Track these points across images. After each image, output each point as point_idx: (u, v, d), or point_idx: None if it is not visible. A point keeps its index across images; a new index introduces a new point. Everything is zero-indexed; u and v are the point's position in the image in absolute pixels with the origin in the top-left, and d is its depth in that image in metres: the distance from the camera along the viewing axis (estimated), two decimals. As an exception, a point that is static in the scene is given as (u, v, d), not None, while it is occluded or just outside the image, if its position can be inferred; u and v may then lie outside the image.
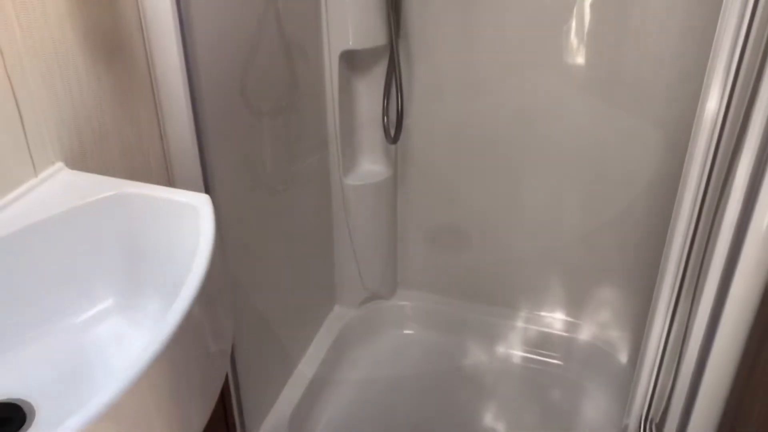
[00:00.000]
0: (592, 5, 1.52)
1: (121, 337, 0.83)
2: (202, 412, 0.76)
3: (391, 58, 1.62)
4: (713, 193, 1.01)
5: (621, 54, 1.55)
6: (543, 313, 1.95)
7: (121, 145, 1.02)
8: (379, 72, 1.71)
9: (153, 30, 1.00)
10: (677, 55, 1.49)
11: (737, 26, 0.88)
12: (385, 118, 1.73)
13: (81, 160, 0.94)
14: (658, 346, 1.25)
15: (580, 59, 1.59)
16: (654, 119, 1.58)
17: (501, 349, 1.95)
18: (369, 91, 1.75)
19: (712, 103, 0.87)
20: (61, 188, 0.87)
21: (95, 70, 0.95)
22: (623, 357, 1.83)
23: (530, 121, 1.69)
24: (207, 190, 1.15)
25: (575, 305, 1.91)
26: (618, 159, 1.67)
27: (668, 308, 1.22)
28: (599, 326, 1.90)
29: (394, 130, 1.67)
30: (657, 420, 1.21)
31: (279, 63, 1.44)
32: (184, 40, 1.02)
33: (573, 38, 1.57)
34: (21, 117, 0.84)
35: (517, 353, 1.95)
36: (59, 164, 0.91)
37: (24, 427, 0.70)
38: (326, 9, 1.57)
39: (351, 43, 1.60)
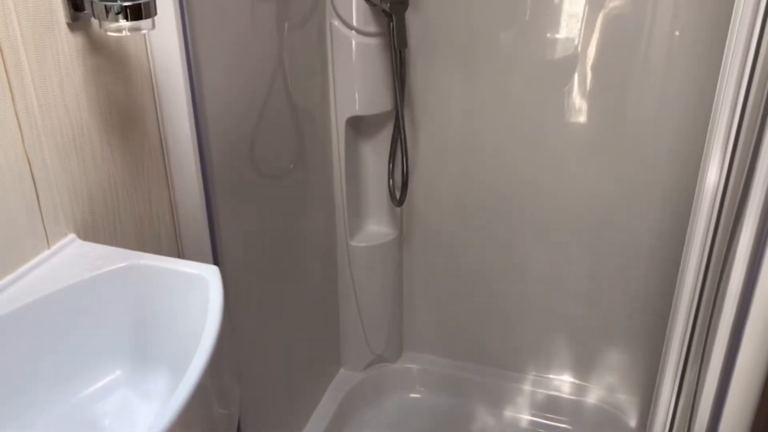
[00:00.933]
0: (592, 67, 1.55)
1: (129, 409, 0.83)
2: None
3: (397, 123, 1.65)
4: (717, 260, 1.02)
5: (622, 114, 1.57)
6: (551, 376, 1.94)
7: (132, 215, 1.04)
8: (385, 136, 1.74)
9: (166, 104, 1.03)
10: (678, 115, 1.52)
11: (734, 99, 0.91)
12: (391, 180, 1.75)
13: (93, 232, 0.96)
14: (668, 411, 1.24)
15: (582, 119, 1.62)
16: (657, 178, 1.60)
17: (508, 413, 1.92)
18: (375, 155, 1.78)
19: (712, 175, 0.89)
20: (72, 260, 0.88)
21: (109, 144, 0.97)
22: (632, 421, 1.80)
23: (534, 181, 1.71)
24: (215, 257, 1.17)
25: (583, 367, 1.89)
26: (621, 218, 1.68)
27: (676, 372, 1.22)
28: (607, 389, 1.88)
29: (399, 193, 1.69)
30: (669, 489, 1.19)
31: (287, 129, 1.48)
32: (195, 112, 1.05)
33: (574, 99, 1.60)
34: (36, 191, 0.86)
35: (525, 417, 1.92)
36: (71, 236, 0.92)
37: (30, 504, 0.70)
38: (333, 77, 1.61)
39: (357, 109, 1.64)
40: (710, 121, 0.93)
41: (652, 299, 1.72)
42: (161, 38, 0.99)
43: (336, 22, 1.54)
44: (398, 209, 1.85)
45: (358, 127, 1.72)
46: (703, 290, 1.09)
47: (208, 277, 0.83)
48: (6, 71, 0.80)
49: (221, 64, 1.18)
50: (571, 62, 1.56)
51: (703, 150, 1.00)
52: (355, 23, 1.53)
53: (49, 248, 0.89)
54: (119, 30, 0.84)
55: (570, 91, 1.60)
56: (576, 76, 1.58)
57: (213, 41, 1.13)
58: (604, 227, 1.70)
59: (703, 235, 0.98)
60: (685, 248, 1.05)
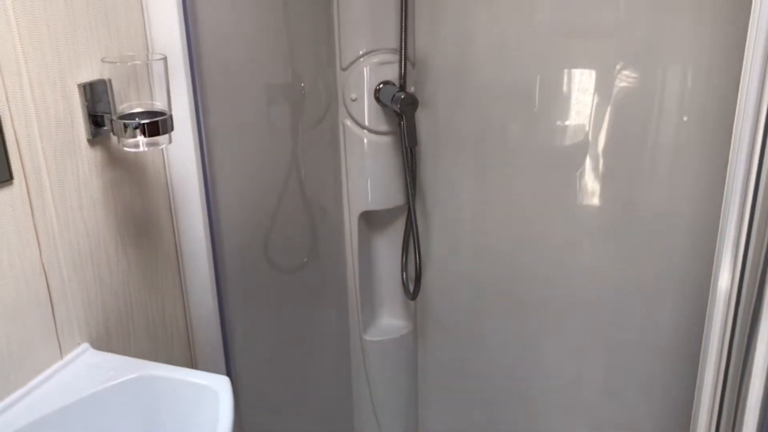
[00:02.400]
0: (603, 151, 1.56)
1: None
2: None
3: (409, 216, 1.67)
4: (736, 361, 1.00)
5: (634, 200, 1.56)
6: (572, 473, 1.87)
7: (146, 322, 1.04)
8: (397, 229, 1.76)
9: (182, 212, 1.05)
10: (689, 200, 1.51)
11: (742, 198, 0.91)
12: (404, 273, 1.75)
13: (106, 340, 0.96)
14: None
15: (593, 206, 1.62)
16: (672, 266, 1.58)
17: None
18: (387, 248, 1.79)
19: (724, 281, 0.88)
20: (85, 370, 0.88)
21: (125, 253, 0.99)
22: None
23: (548, 271, 1.70)
24: (227, 360, 1.16)
25: (606, 464, 1.83)
26: (637, 307, 1.65)
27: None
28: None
29: (413, 286, 1.69)
30: None
31: (301, 225, 1.50)
32: (210, 218, 1.07)
33: (585, 186, 1.61)
34: (51, 302, 0.87)
35: None
36: (85, 345, 0.93)
37: None
38: (346, 173, 1.64)
39: (370, 204, 1.67)
40: (720, 221, 0.93)
41: (673, 391, 1.67)
42: (178, 150, 1.02)
43: (348, 122, 1.59)
44: (412, 302, 1.84)
45: (371, 221, 1.74)
46: (724, 389, 1.06)
47: (218, 388, 0.83)
48: (27, 187, 0.82)
49: (236, 168, 1.21)
50: (582, 149, 1.58)
51: (716, 235, 0.99)
52: (366, 123, 1.58)
53: (62, 359, 0.90)
54: (137, 145, 0.87)
55: (581, 178, 1.61)
56: (586, 162, 1.59)
57: (228, 148, 1.17)
58: (620, 316, 1.68)
59: (720, 335, 0.97)
60: (702, 348, 1.03)
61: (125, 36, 0.95)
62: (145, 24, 0.98)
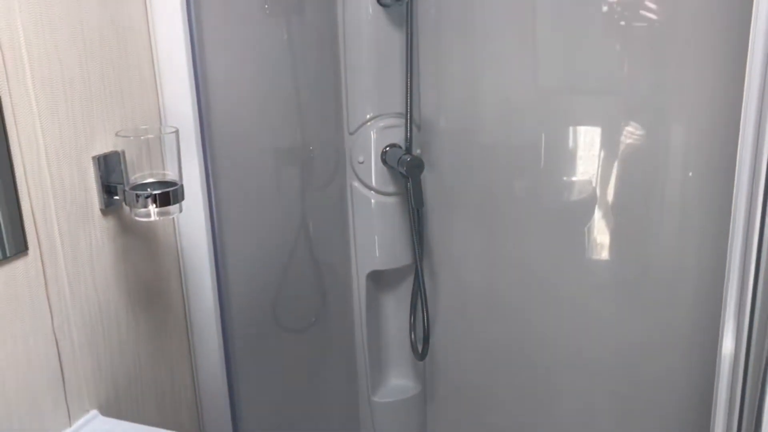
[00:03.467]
0: (611, 206, 1.56)
1: None
2: None
3: (416, 276, 1.68)
4: (748, 423, 0.99)
5: (643, 255, 1.56)
6: None
7: (154, 388, 1.05)
8: (406, 288, 1.76)
9: (192, 279, 1.07)
10: (697, 255, 1.50)
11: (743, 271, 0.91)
12: (412, 333, 1.75)
13: (115, 406, 0.97)
14: None
15: (604, 257, 1.61)
16: (682, 318, 1.56)
17: None
18: (396, 308, 1.79)
19: (728, 343, 0.89)
20: (93, 439, 0.89)
21: (135, 320, 1.00)
22: None
23: (558, 329, 1.69)
24: (234, 424, 1.16)
25: None
26: (649, 360, 1.63)
27: None
28: None
29: (421, 346, 1.68)
30: None
31: (309, 285, 1.51)
32: (219, 284, 1.09)
33: (594, 241, 1.61)
34: (62, 370, 0.88)
35: None
36: (94, 412, 0.93)
37: None
38: (354, 233, 1.66)
39: (377, 264, 1.68)
40: (723, 287, 0.93)
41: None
42: (189, 218, 1.04)
43: (356, 184, 1.62)
44: (421, 362, 1.83)
45: (379, 280, 1.75)
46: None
47: (225, 457, 0.83)
48: (42, 257, 0.84)
49: (246, 234, 1.23)
50: (589, 204, 1.58)
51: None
52: (374, 184, 1.60)
53: (70, 426, 0.90)
54: (148, 215, 0.90)
55: (589, 233, 1.61)
56: (594, 218, 1.59)
57: (238, 214, 1.19)
58: (631, 369, 1.65)
59: (727, 399, 0.96)
60: (712, 414, 1.02)
61: (139, 108, 0.99)
62: (158, 95, 1.02)
